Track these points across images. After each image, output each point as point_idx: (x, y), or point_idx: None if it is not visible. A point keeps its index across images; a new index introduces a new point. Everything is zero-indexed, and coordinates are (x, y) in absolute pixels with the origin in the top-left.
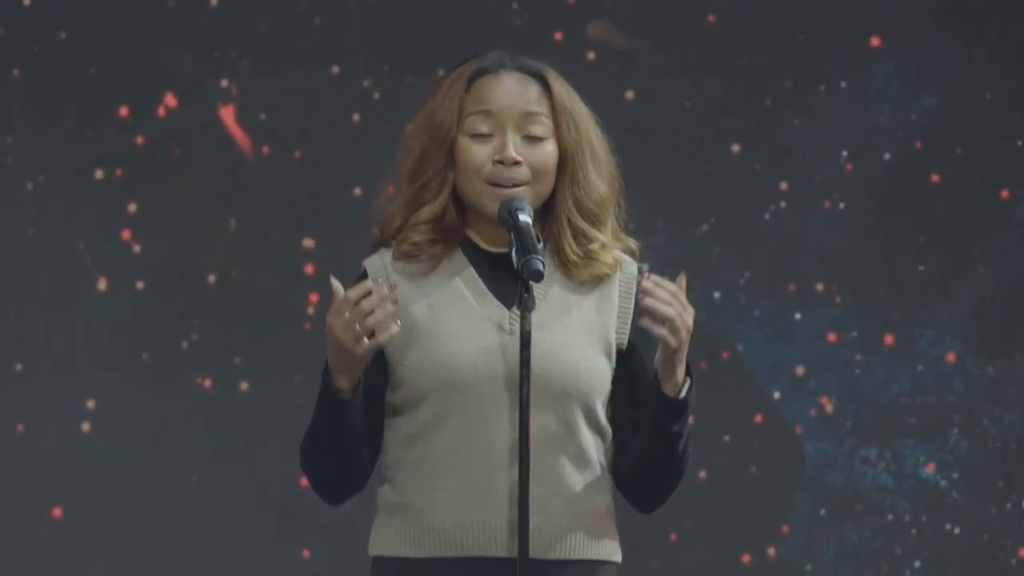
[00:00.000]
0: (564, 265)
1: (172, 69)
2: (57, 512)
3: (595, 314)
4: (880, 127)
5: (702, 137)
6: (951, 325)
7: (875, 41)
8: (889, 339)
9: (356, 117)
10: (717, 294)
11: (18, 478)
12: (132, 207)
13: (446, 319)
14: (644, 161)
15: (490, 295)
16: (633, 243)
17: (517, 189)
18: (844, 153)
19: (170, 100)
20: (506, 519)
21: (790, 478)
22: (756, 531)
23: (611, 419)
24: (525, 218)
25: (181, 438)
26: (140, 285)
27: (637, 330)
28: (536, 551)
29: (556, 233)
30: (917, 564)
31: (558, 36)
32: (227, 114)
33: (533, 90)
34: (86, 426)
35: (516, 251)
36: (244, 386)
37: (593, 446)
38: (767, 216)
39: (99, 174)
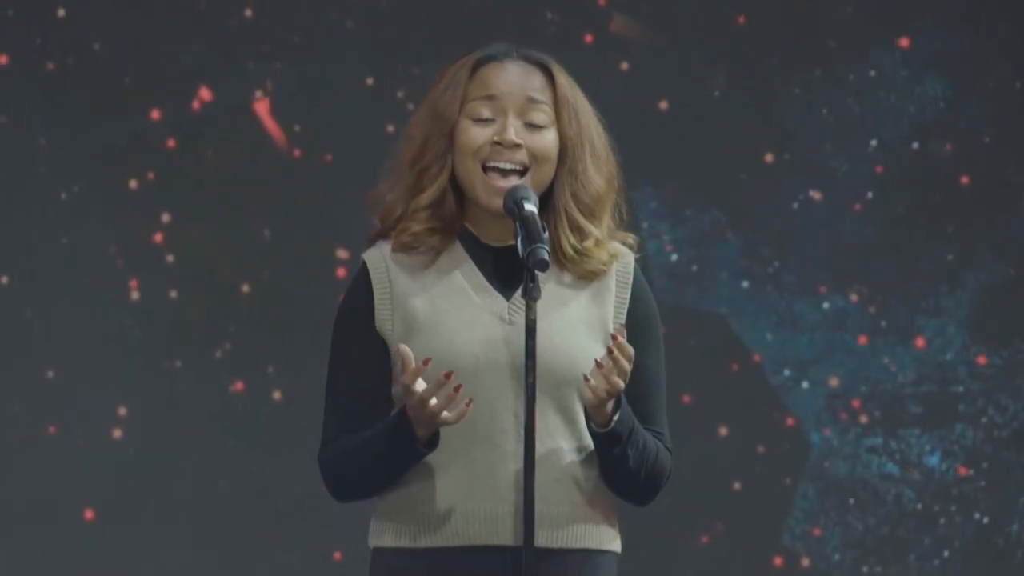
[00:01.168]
0: (559, 260)
1: (205, 71)
2: (89, 514)
3: (592, 305)
4: (885, 117)
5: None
6: (957, 314)
7: (881, 32)
8: (895, 328)
9: (390, 128)
10: (723, 283)
11: (50, 480)
12: (165, 216)
13: (446, 312)
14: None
15: (489, 287)
16: (631, 238)
17: (514, 177)
18: (849, 145)
19: (203, 102)
20: (510, 507)
21: (795, 467)
22: (761, 520)
23: None
24: (530, 207)
25: (213, 445)
26: (173, 294)
27: (631, 324)
28: (539, 539)
29: (553, 226)
30: (922, 553)
31: (588, 38)
32: (261, 112)
33: (537, 79)
34: (117, 432)
35: (521, 240)
36: (276, 394)
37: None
38: (772, 208)
39: (133, 184)
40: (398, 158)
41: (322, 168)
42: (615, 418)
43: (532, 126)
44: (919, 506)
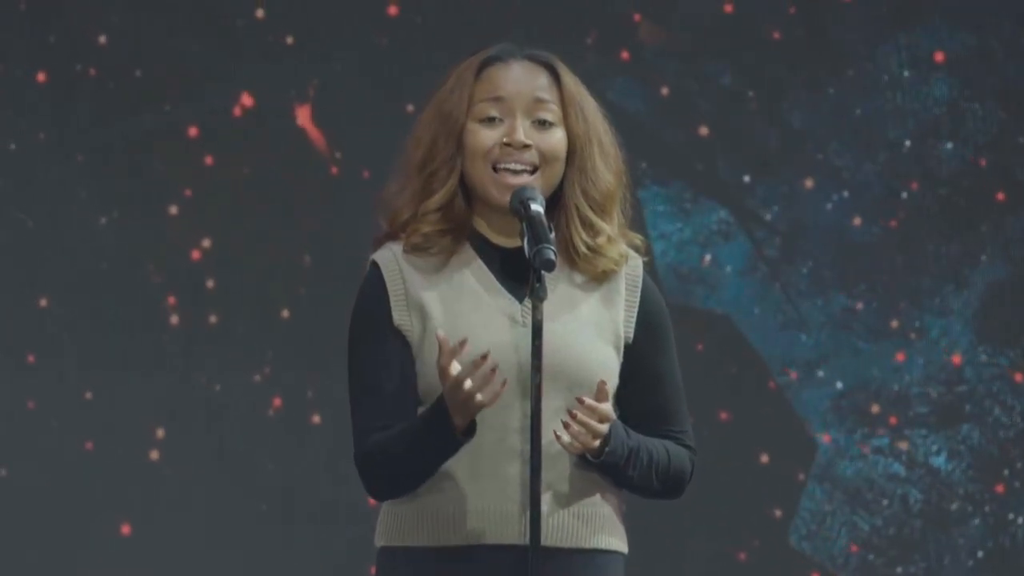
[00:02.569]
0: (571, 259)
1: (247, 81)
2: (125, 529)
3: (603, 308)
4: (891, 116)
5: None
6: (963, 314)
7: (886, 26)
8: (901, 328)
9: None
10: (729, 283)
11: (87, 495)
12: (206, 242)
13: (460, 314)
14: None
15: (501, 289)
16: (638, 239)
17: (525, 176)
18: (856, 144)
19: (244, 108)
20: (517, 507)
21: (801, 467)
22: (767, 520)
23: (619, 414)
24: (537, 207)
25: (252, 469)
26: (213, 319)
27: (641, 327)
28: (546, 539)
29: (564, 224)
30: (928, 553)
31: (624, 55)
32: (303, 119)
33: (543, 78)
34: (155, 454)
35: (528, 240)
36: (316, 419)
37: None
38: (779, 208)
39: (173, 210)
40: (405, 161)
41: (362, 185)
42: (606, 449)
43: (540, 124)
44: (925, 506)
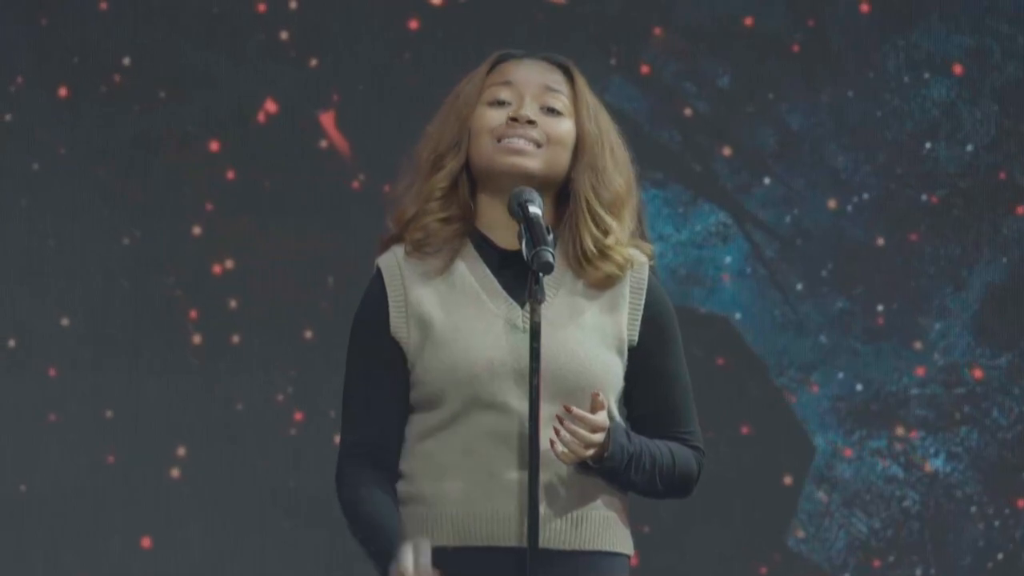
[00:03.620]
0: (577, 263)
1: (269, 95)
2: (146, 542)
3: (607, 311)
4: (889, 118)
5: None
6: (962, 316)
7: (884, 28)
8: (900, 330)
9: None
10: (728, 285)
11: (107, 508)
12: (229, 263)
13: (461, 318)
14: (676, 154)
15: (503, 293)
16: (649, 248)
17: (527, 152)
18: (854, 145)
19: (268, 113)
20: (517, 508)
21: (799, 469)
22: (765, 523)
23: (625, 416)
24: (535, 210)
25: (274, 489)
26: (236, 339)
27: (647, 329)
28: (546, 541)
29: (574, 220)
30: (926, 555)
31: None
32: (325, 134)
33: (557, 74)
34: (175, 472)
35: (526, 243)
36: (337, 439)
37: None
38: (778, 209)
39: (196, 230)
40: (416, 158)
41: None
42: (605, 455)
43: (549, 112)
44: (924, 508)
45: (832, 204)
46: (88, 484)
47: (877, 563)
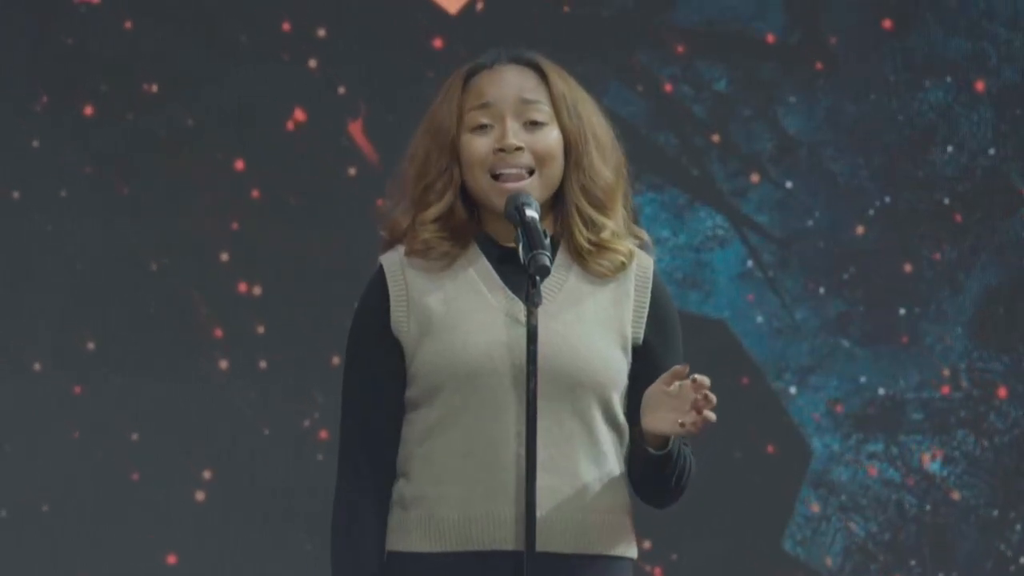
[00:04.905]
0: (579, 256)
1: (295, 113)
2: (172, 559)
3: (611, 307)
4: (886, 121)
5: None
6: (959, 319)
7: (881, 31)
8: (895, 333)
9: None
10: (724, 288)
11: (131, 526)
12: (257, 289)
13: (461, 312)
14: (671, 157)
15: (505, 288)
16: (645, 234)
17: (522, 182)
18: (850, 149)
19: (289, 145)
20: (517, 512)
21: (796, 473)
22: (762, 526)
23: (627, 416)
24: (532, 213)
25: (301, 512)
26: (263, 364)
27: (652, 327)
28: (549, 545)
29: (567, 223)
30: (923, 559)
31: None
32: (355, 133)
33: (530, 79)
34: (200, 495)
35: (523, 246)
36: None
37: (610, 441)
38: (773, 213)
39: (224, 256)
40: (401, 175)
41: None
42: (672, 440)
43: (532, 125)
44: (920, 512)
45: (829, 208)
46: (113, 502)
47: (874, 567)
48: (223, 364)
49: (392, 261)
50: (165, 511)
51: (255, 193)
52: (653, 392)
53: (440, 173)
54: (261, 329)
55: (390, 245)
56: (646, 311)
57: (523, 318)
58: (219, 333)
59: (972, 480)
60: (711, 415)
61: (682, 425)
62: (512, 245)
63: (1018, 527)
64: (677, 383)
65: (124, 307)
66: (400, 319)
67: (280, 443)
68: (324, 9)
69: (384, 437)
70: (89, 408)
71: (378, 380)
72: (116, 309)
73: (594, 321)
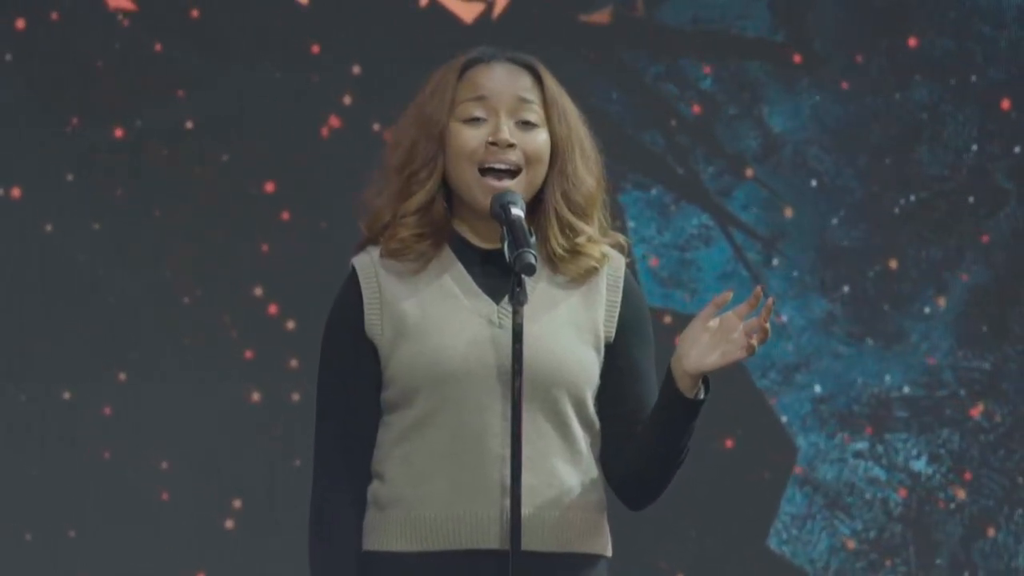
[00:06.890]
0: (551, 259)
1: (317, 127)
2: None
3: (583, 308)
4: (871, 121)
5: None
6: (944, 318)
7: (866, 30)
8: (882, 332)
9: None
10: (710, 287)
11: (157, 554)
12: (290, 324)
13: (435, 314)
14: (658, 156)
15: (479, 290)
16: (622, 238)
17: (509, 182)
18: (835, 148)
19: (314, 163)
20: (498, 511)
21: (782, 471)
22: (748, 524)
23: (597, 412)
24: (517, 212)
25: None
26: (296, 397)
27: (623, 324)
28: (530, 543)
29: (543, 226)
30: (908, 557)
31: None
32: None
33: (526, 79)
34: (229, 523)
35: (508, 244)
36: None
37: (583, 439)
38: (760, 212)
39: (258, 291)
40: (384, 165)
41: None
42: (702, 385)
43: (524, 125)
44: (905, 509)
45: (815, 207)
46: (140, 529)
47: (859, 565)
48: (255, 397)
49: (365, 264)
50: (194, 539)
51: (285, 215)
52: (692, 331)
53: (426, 162)
54: (294, 363)
55: (363, 245)
56: (618, 310)
57: (496, 319)
58: (251, 366)
59: (956, 478)
60: (758, 336)
61: (751, 348)
62: (486, 247)
63: (1003, 525)
64: (716, 319)
65: (156, 338)
66: (374, 322)
67: (310, 475)
68: (356, 41)
69: (359, 439)
70: (120, 431)
71: (352, 383)
72: (148, 340)
73: (568, 323)
